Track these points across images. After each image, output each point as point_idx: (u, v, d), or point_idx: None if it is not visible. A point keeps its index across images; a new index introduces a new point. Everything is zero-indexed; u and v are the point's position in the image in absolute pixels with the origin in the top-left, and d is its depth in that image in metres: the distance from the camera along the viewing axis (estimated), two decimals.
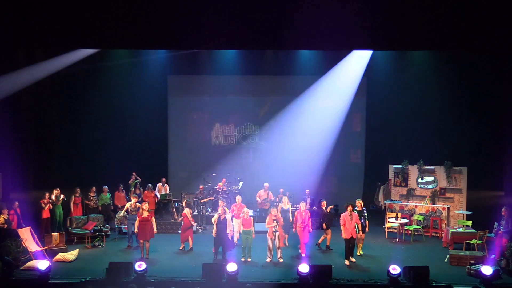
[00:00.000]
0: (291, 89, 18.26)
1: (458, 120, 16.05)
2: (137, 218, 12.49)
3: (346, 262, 12.14)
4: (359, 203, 12.87)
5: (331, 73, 17.33)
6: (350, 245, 12.15)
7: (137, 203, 13.31)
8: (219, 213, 12.31)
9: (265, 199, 15.50)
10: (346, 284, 10.58)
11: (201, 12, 13.12)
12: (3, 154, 14.23)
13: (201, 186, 16.30)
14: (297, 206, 13.61)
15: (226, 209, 12.60)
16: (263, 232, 13.76)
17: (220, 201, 13.67)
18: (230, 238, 12.34)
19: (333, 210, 13.42)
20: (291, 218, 13.24)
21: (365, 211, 12.84)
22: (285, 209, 13.27)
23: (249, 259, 12.33)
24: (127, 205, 13.50)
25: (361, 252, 12.84)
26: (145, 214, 12.40)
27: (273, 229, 12.12)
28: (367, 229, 12.87)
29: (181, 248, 13.15)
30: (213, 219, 12.34)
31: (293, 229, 12.66)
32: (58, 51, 15.09)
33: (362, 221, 12.68)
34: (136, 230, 12.55)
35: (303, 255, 12.36)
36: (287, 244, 13.27)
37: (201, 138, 18.65)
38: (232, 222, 12.98)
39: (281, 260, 12.23)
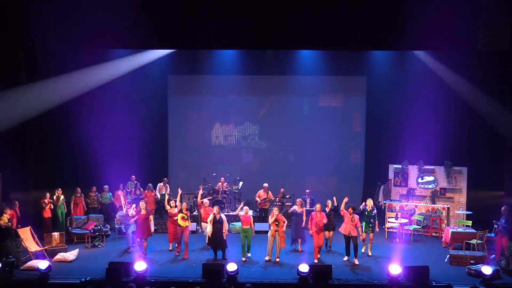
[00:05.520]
0: (291, 89, 18.26)
1: (458, 120, 16.03)
2: (136, 216, 12.52)
3: (345, 258, 12.25)
4: (370, 203, 12.88)
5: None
6: (349, 243, 12.18)
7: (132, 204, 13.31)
8: (214, 213, 12.29)
9: (265, 199, 15.50)
10: (346, 284, 10.57)
11: (201, 12, 13.13)
12: (3, 154, 14.22)
13: (200, 187, 16.25)
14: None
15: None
16: (263, 232, 13.79)
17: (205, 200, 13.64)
18: (225, 238, 12.35)
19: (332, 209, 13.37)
20: (303, 223, 13.13)
21: (374, 212, 12.83)
22: (298, 212, 13.03)
23: (248, 254, 12.39)
24: (130, 211, 13.27)
25: (370, 253, 12.84)
26: (143, 212, 12.44)
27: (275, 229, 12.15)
28: (376, 229, 12.85)
29: (170, 248, 13.19)
30: (209, 219, 12.31)
31: (310, 232, 12.51)
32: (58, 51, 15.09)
33: (372, 221, 12.70)
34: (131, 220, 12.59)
35: (315, 260, 12.22)
36: (300, 249, 13.15)
37: (201, 138, 18.62)
38: (200, 225, 13.10)
39: (277, 260, 12.24)
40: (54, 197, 14.33)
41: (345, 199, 12.52)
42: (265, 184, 15.69)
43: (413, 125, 16.59)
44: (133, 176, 16.33)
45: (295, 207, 13.16)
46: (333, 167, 18.14)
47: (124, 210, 13.45)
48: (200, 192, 13.90)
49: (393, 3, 12.96)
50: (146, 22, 13.15)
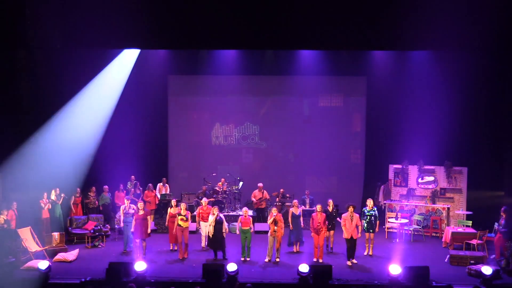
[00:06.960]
0: (291, 89, 18.25)
1: (458, 120, 16.03)
2: (133, 217, 12.51)
3: (348, 263, 12.15)
4: (370, 203, 12.90)
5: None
6: (350, 245, 12.15)
7: (131, 204, 13.27)
8: (214, 214, 12.27)
9: (260, 199, 15.45)
10: (346, 284, 10.56)
11: (201, 12, 13.14)
12: (4, 154, 14.21)
13: (204, 187, 16.28)
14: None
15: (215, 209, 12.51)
16: (262, 232, 13.79)
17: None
18: (225, 237, 12.35)
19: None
20: (302, 224, 13.12)
21: (375, 211, 12.84)
22: (296, 214, 12.97)
23: (248, 259, 12.35)
24: (122, 207, 13.28)
25: (371, 254, 12.82)
26: (141, 212, 12.43)
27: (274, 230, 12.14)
28: (376, 229, 12.84)
29: (170, 248, 13.18)
30: (211, 220, 12.31)
31: (312, 234, 12.47)
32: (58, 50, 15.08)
33: (373, 220, 12.72)
34: (132, 229, 12.58)
35: (315, 259, 12.26)
36: (296, 249, 13.12)
37: (201, 138, 18.62)
38: (200, 224, 13.24)
39: (277, 260, 12.25)
40: (53, 196, 14.29)
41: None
42: (260, 184, 15.61)
43: (413, 125, 16.58)
44: (133, 176, 16.33)
45: (291, 210, 13.12)
46: (333, 167, 18.14)
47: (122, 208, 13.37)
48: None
49: (393, 3, 12.96)
50: (146, 22, 13.16)
